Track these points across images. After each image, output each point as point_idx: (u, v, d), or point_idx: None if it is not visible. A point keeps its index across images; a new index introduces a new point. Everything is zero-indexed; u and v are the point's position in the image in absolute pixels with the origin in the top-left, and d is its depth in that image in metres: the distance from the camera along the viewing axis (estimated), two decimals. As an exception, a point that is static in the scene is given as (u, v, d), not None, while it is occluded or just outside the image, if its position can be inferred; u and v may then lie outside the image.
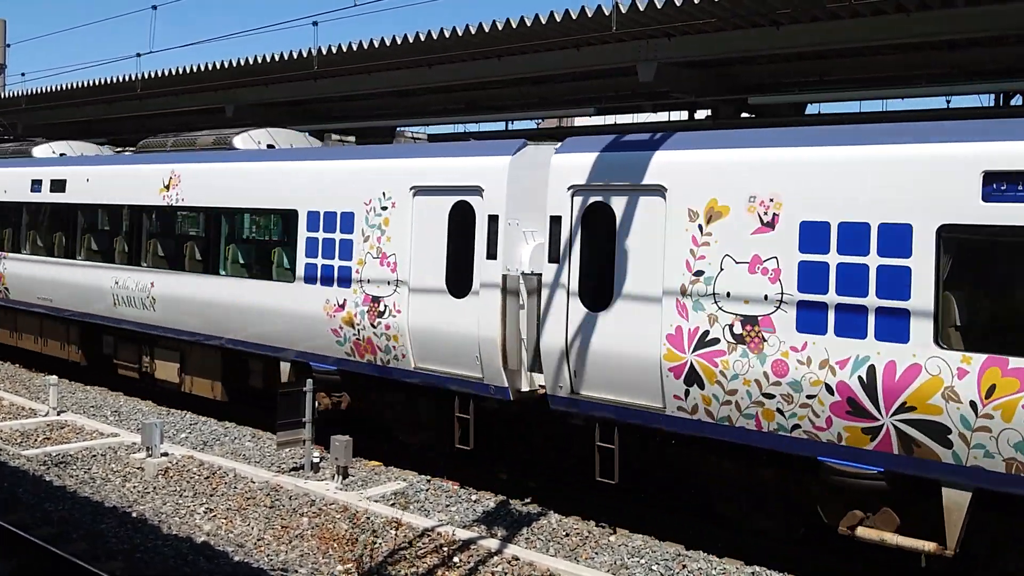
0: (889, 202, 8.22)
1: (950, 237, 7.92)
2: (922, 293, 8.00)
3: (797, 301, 8.63)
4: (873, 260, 8.24)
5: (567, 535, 10.29)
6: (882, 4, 9.82)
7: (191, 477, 12.05)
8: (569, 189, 10.32)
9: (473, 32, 12.49)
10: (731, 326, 9.00)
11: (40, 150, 19.98)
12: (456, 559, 9.42)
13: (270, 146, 15.50)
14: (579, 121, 18.75)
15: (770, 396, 8.74)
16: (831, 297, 8.45)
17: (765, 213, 8.88)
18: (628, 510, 10.91)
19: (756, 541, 9.87)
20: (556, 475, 11.97)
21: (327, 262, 12.69)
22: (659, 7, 10.67)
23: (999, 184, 7.74)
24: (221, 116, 19.10)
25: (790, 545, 9.72)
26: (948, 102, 13.71)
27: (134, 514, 10.52)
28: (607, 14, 11.00)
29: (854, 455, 8.42)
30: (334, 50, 14.27)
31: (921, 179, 8.08)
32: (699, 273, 9.22)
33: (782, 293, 8.71)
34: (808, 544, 9.74)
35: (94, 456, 12.96)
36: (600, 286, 10.04)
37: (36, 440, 13.90)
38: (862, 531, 8.70)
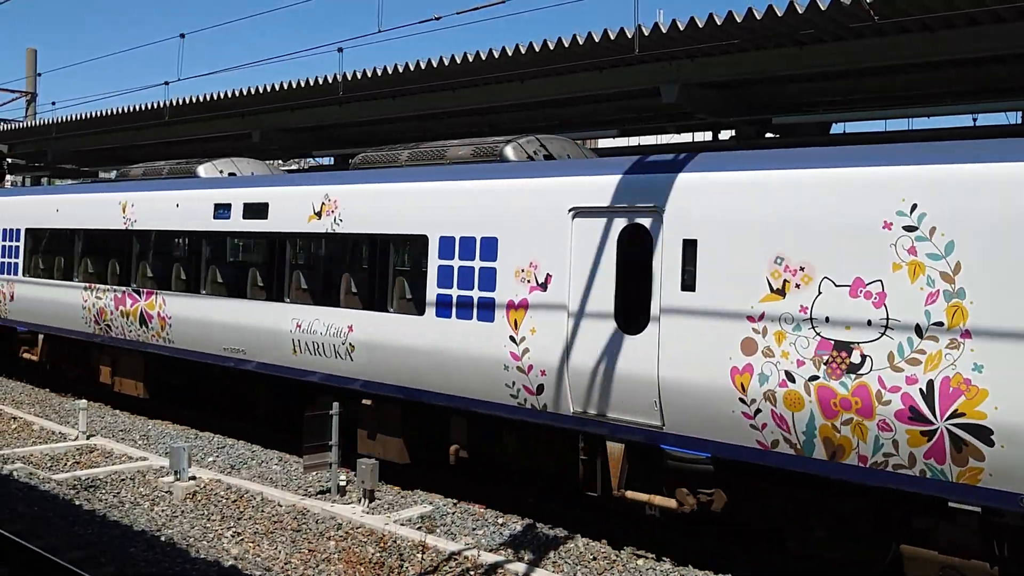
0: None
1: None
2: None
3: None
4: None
5: (594, 559, 10.22)
6: (907, 23, 9.78)
7: (219, 501, 12.09)
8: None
9: (496, 56, 12.57)
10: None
11: None
12: (483, 583, 9.38)
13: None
14: (602, 143, 18.78)
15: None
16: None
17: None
18: (656, 534, 10.83)
19: (789, 565, 9.76)
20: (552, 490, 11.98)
21: None
22: (682, 29, 10.70)
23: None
24: (248, 142, 19.30)
25: (823, 566, 9.60)
26: (975, 120, 13.60)
27: (162, 538, 10.56)
28: (630, 37, 11.03)
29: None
30: (359, 75, 14.39)
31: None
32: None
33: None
34: (848, 564, 9.62)
35: (123, 480, 13.04)
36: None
37: (66, 464, 14.01)
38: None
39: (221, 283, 15.12)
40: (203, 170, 16.47)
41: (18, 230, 19.97)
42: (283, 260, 13.71)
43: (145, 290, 16.23)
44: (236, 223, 14.45)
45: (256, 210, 14.06)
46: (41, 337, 19.56)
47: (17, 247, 19.93)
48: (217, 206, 14.79)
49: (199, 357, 15.33)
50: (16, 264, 19.88)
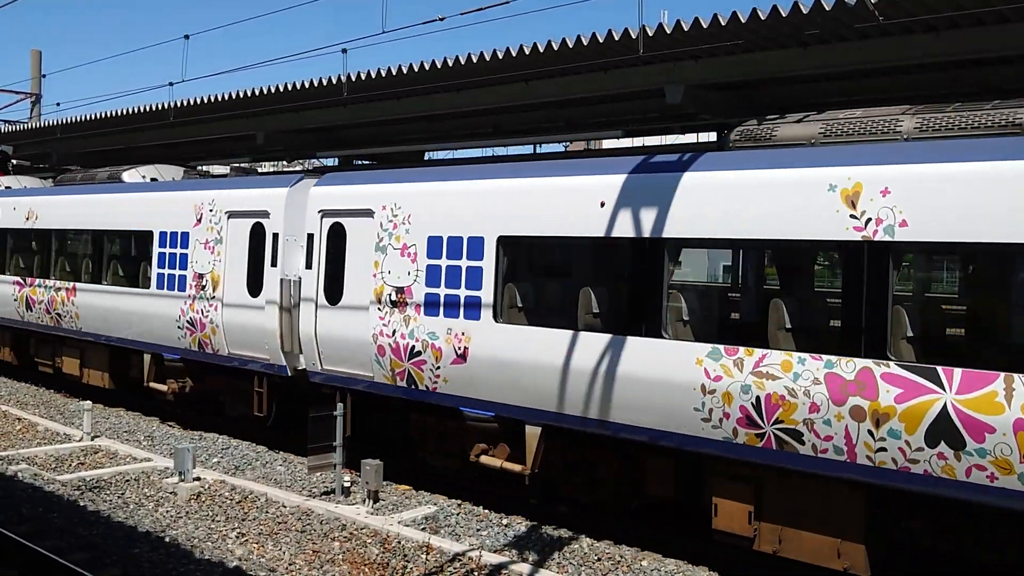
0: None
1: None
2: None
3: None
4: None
5: (599, 559, 10.22)
6: (912, 23, 9.77)
7: (223, 502, 12.10)
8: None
9: (501, 57, 12.56)
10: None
11: None
12: (487, 584, 9.38)
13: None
14: (607, 144, 18.81)
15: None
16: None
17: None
18: (660, 535, 10.82)
19: (795, 567, 9.74)
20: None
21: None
22: (686, 30, 10.69)
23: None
24: (252, 143, 19.32)
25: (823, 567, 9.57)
26: (980, 120, 13.55)
27: (167, 539, 10.57)
28: (634, 37, 11.03)
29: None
30: (363, 76, 14.40)
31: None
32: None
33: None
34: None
35: (127, 481, 13.06)
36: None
37: (70, 465, 14.03)
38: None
39: None
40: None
41: (479, 239, 11.51)
42: None
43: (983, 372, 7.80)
44: None
45: None
46: (537, 433, 11.05)
47: (476, 270, 11.48)
48: None
49: None
50: (473, 300, 11.44)
